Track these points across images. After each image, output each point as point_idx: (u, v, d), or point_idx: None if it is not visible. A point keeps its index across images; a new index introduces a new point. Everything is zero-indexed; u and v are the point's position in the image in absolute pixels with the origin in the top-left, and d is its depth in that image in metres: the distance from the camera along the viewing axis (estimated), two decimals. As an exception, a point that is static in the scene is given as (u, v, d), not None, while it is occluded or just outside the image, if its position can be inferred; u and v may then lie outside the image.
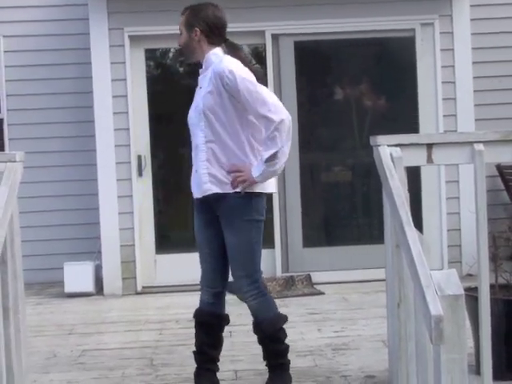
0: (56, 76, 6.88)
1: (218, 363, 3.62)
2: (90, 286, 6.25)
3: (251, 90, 3.35)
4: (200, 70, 3.55)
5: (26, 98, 6.89)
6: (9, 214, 2.94)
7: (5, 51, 6.94)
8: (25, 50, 6.90)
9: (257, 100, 3.35)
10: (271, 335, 3.52)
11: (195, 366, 3.61)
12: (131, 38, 6.35)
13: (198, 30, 3.51)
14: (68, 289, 6.18)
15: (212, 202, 3.47)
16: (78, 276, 6.21)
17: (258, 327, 3.53)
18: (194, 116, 3.51)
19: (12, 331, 2.97)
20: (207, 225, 3.53)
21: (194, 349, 3.61)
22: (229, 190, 3.41)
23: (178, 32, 3.59)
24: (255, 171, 3.37)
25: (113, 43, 6.32)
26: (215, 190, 3.43)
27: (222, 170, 3.42)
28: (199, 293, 3.60)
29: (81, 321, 5.37)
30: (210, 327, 3.56)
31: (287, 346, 3.58)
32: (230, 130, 3.42)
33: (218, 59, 3.47)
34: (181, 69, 6.87)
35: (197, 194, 3.52)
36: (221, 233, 3.49)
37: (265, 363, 3.60)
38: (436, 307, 2.47)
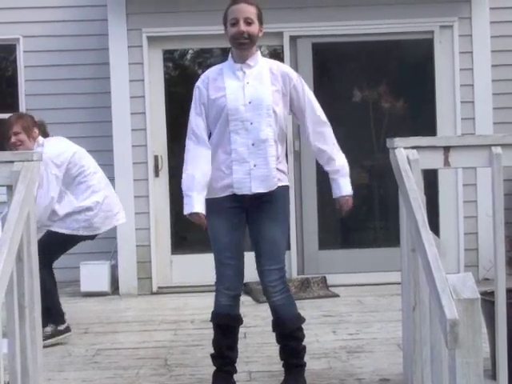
0: (74, 76, 6.92)
1: (236, 365, 3.63)
2: (105, 286, 6.27)
3: (311, 94, 3.61)
4: (239, 65, 3.50)
5: (45, 97, 6.93)
6: (25, 213, 2.95)
7: (24, 51, 6.99)
8: (44, 51, 6.94)
9: (316, 104, 3.60)
10: (292, 333, 3.54)
11: (210, 366, 3.63)
12: (149, 38, 6.37)
13: (262, 29, 3.54)
14: (84, 288, 6.21)
15: (256, 199, 3.45)
16: (93, 275, 6.23)
17: (281, 323, 3.53)
18: (247, 110, 3.44)
19: (27, 329, 2.98)
20: (235, 227, 3.50)
21: (212, 351, 3.61)
22: (282, 183, 3.55)
23: (243, 17, 3.44)
24: (349, 187, 3.62)
25: (131, 44, 6.34)
26: (281, 184, 3.53)
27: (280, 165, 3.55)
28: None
29: (96, 320, 5.39)
30: (228, 329, 3.57)
31: (304, 347, 3.62)
32: (284, 129, 3.60)
33: (267, 60, 3.60)
34: (199, 70, 6.88)
35: (258, 188, 3.45)
36: (244, 235, 3.51)
37: (281, 364, 3.61)
38: (451, 311, 2.45)
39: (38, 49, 6.95)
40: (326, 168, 3.65)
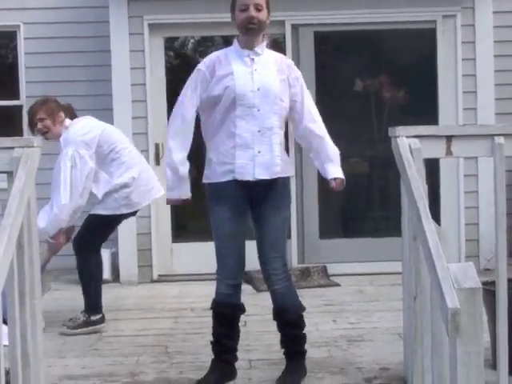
0: (75, 63, 6.89)
1: (237, 353, 3.62)
2: (106, 274, 6.24)
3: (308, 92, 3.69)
4: (247, 52, 3.48)
5: (45, 84, 6.88)
6: (26, 199, 2.94)
7: (25, 38, 6.96)
8: (44, 37, 6.91)
9: (312, 102, 3.69)
10: (294, 321, 3.55)
11: (211, 354, 3.63)
12: (150, 26, 6.34)
13: (270, 15, 3.54)
14: (84, 276, 6.21)
15: (259, 187, 3.44)
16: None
17: (283, 312, 3.53)
18: (255, 96, 3.42)
19: (28, 316, 2.98)
20: (237, 215, 3.48)
21: (212, 339, 3.62)
22: (286, 174, 3.56)
23: (253, 3, 3.43)
24: (341, 172, 3.64)
25: (132, 31, 6.31)
26: (284, 174, 3.53)
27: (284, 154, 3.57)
28: (215, 282, 3.59)
29: (96, 308, 5.39)
30: (227, 318, 3.57)
31: (305, 335, 3.64)
32: (286, 119, 3.62)
33: (271, 51, 3.59)
34: (200, 58, 6.86)
35: (262, 175, 3.43)
36: (247, 223, 3.52)
37: (282, 352, 3.61)
38: (453, 300, 2.45)
39: (39, 36, 6.91)
40: (320, 155, 3.67)
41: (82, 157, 4.57)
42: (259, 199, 3.49)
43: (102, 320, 4.72)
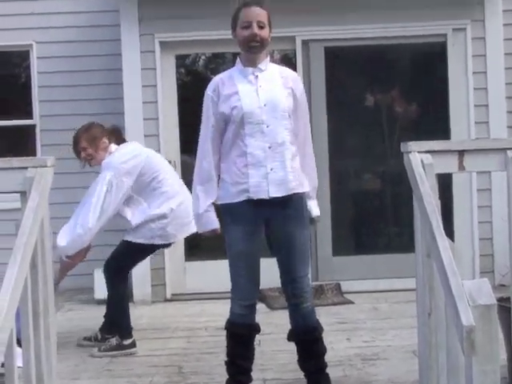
0: (87, 82, 6.94)
1: (251, 373, 3.59)
2: (119, 292, 6.25)
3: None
4: (251, 69, 3.47)
5: (58, 103, 6.95)
6: (39, 219, 2.95)
7: (37, 57, 7.02)
8: (56, 56, 6.97)
9: (307, 115, 3.62)
10: (319, 339, 3.54)
11: (225, 374, 3.60)
12: (162, 43, 6.37)
13: (271, 32, 3.51)
14: (98, 295, 6.19)
15: (274, 205, 3.41)
16: (107, 282, 6.21)
17: (307, 331, 3.50)
18: (262, 112, 3.41)
19: (42, 336, 2.98)
20: (253, 235, 3.44)
21: (226, 359, 3.58)
22: (302, 189, 3.51)
23: (256, 21, 3.42)
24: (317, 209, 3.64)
25: (143, 49, 6.35)
26: (300, 189, 3.49)
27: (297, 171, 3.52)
28: (229, 301, 3.55)
29: (110, 326, 5.37)
30: (241, 338, 3.53)
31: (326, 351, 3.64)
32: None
33: (275, 65, 3.59)
34: (211, 75, 6.88)
35: (276, 193, 3.40)
36: (261, 243, 3.48)
37: (304, 374, 3.59)
38: (468, 317, 2.42)
39: (51, 55, 6.97)
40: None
41: (119, 184, 4.50)
42: (277, 218, 3.45)
43: (133, 344, 4.64)
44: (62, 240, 4.48)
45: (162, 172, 4.70)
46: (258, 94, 3.44)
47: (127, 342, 4.62)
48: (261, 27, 3.42)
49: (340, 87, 6.55)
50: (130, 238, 4.66)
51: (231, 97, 3.44)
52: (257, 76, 3.48)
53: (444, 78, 6.38)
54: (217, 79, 3.55)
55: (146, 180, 4.61)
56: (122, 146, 4.74)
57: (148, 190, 4.62)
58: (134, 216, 4.63)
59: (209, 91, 3.52)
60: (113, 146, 4.71)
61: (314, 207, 3.63)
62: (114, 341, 4.62)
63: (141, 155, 4.65)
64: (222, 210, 3.52)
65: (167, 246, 4.85)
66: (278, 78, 3.51)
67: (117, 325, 4.68)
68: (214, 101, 3.48)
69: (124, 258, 4.67)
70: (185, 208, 4.65)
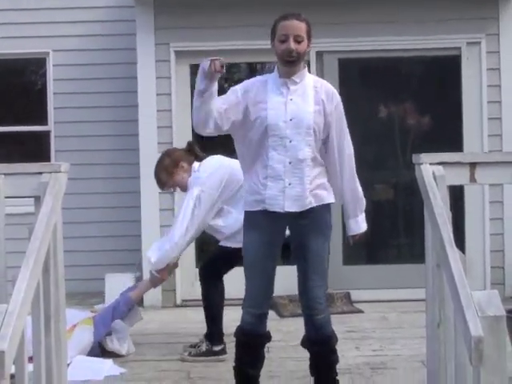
0: (102, 90, 7.00)
1: (259, 379, 3.60)
2: (130, 298, 6.28)
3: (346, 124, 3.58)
4: (284, 80, 3.42)
5: (73, 110, 7.02)
6: (52, 223, 2.98)
7: (54, 65, 7.09)
8: (73, 64, 7.04)
9: (346, 130, 3.57)
10: (334, 349, 3.55)
11: (233, 381, 3.61)
12: (177, 53, 6.42)
13: (311, 44, 3.46)
14: (109, 299, 6.23)
15: (292, 217, 3.40)
16: (118, 287, 6.24)
17: (323, 340, 3.50)
18: (287, 127, 3.37)
19: (53, 340, 3.00)
20: (268, 245, 3.44)
21: (234, 365, 3.59)
22: (326, 201, 3.49)
23: (293, 35, 3.36)
24: (364, 224, 3.63)
25: (159, 58, 6.40)
26: (324, 201, 3.47)
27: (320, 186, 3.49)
28: (239, 307, 3.56)
29: (120, 332, 5.40)
30: (251, 347, 3.53)
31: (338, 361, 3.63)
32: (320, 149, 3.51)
33: (313, 76, 3.58)
34: (226, 85, 6.92)
35: (291, 208, 3.39)
36: (278, 254, 3.48)
37: (312, 379, 3.59)
38: (476, 328, 2.43)
39: (68, 62, 7.04)
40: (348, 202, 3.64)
41: (207, 197, 4.50)
42: (294, 228, 3.46)
43: (223, 351, 4.58)
44: (153, 255, 4.54)
45: None
46: (287, 107, 3.40)
47: (217, 348, 4.58)
48: (298, 42, 3.35)
49: (354, 99, 6.56)
50: (226, 244, 4.65)
51: (259, 103, 3.41)
52: (289, 88, 3.42)
53: (458, 91, 6.39)
54: (252, 80, 3.51)
55: (233, 190, 4.60)
56: (204, 161, 4.71)
57: (237, 198, 4.58)
58: (226, 226, 4.62)
59: (238, 87, 3.47)
60: (195, 164, 4.70)
61: (353, 225, 3.62)
62: (204, 346, 4.60)
63: (224, 167, 4.64)
64: (244, 216, 3.55)
65: None
66: (311, 92, 3.44)
67: (209, 330, 4.66)
68: (237, 96, 3.42)
69: (221, 262, 4.65)
70: None
